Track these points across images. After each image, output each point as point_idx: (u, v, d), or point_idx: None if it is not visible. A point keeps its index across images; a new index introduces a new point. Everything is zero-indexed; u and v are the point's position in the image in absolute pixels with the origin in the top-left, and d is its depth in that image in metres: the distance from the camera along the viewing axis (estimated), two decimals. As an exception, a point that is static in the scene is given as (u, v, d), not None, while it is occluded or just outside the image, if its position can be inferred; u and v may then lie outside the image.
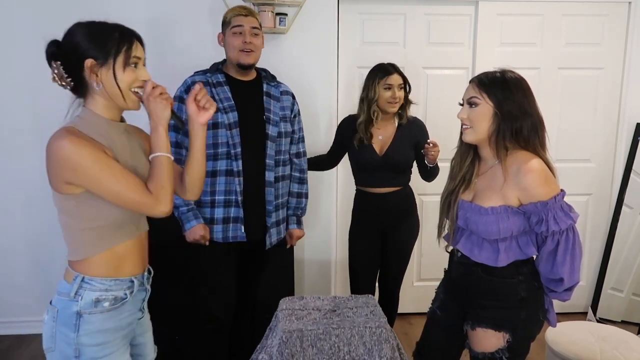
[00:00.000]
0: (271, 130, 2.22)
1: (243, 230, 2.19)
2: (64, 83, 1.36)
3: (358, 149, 2.56)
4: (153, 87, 1.38)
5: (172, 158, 1.43)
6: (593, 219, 3.44)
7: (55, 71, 1.34)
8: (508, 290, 1.62)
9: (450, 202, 1.71)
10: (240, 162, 2.14)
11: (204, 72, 2.22)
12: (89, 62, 1.33)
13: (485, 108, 1.57)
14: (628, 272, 3.29)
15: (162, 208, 1.37)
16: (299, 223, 2.46)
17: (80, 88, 1.38)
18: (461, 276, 1.74)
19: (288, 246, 2.49)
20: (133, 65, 1.37)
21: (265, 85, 2.26)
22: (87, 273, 1.38)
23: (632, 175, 3.26)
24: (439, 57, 3.23)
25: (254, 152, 2.18)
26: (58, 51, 1.34)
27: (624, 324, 3.20)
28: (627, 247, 3.29)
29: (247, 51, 2.14)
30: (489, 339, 1.64)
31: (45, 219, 3.11)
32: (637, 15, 3.20)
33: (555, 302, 1.70)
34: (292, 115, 2.36)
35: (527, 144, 1.57)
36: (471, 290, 1.70)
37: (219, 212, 2.16)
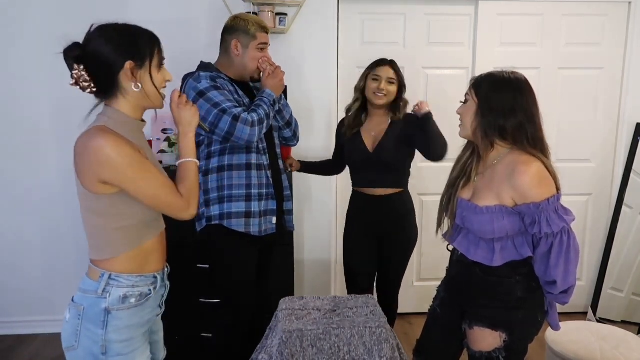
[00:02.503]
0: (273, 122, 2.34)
1: (274, 222, 2.26)
2: (86, 86, 1.36)
3: (349, 139, 2.53)
4: (179, 96, 1.50)
5: (199, 164, 1.50)
6: (593, 219, 3.44)
7: (78, 74, 1.34)
8: (505, 290, 1.62)
9: (451, 196, 1.73)
10: (268, 155, 2.24)
11: (209, 72, 2.22)
12: (129, 64, 1.35)
13: (471, 104, 1.62)
14: (628, 272, 3.29)
15: (191, 211, 1.44)
16: None
17: (107, 90, 1.38)
18: (460, 275, 1.75)
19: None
20: (161, 66, 1.45)
21: (251, 83, 2.36)
22: (114, 270, 1.40)
23: (632, 175, 3.26)
24: (439, 57, 3.23)
25: (268, 143, 2.28)
26: (83, 55, 1.34)
27: (624, 324, 3.21)
28: (627, 247, 3.29)
29: (261, 67, 2.26)
30: (485, 338, 1.65)
31: (46, 219, 3.12)
32: (637, 15, 3.20)
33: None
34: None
35: (515, 142, 1.58)
36: (470, 289, 1.71)
37: (255, 206, 2.18)
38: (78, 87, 1.36)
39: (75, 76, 1.34)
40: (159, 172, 1.40)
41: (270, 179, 2.24)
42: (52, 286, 3.15)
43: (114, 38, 1.35)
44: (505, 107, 1.57)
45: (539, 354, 2.88)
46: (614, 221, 3.32)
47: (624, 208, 3.29)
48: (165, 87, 1.47)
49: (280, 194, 2.34)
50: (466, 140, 1.74)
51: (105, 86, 1.38)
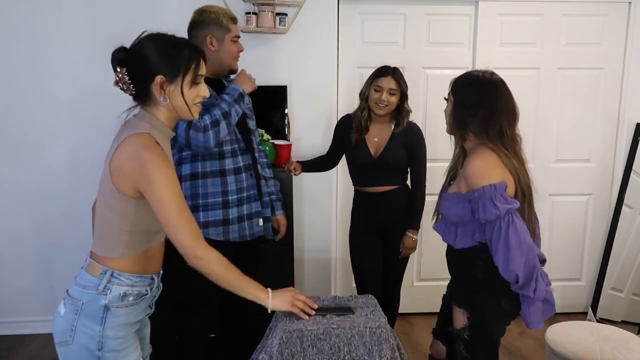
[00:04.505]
0: (251, 125, 2.27)
1: (261, 224, 2.21)
2: (125, 88, 1.39)
3: (354, 144, 2.58)
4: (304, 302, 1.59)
5: (245, 288, 1.47)
6: (593, 219, 3.44)
7: (119, 76, 1.38)
8: (468, 271, 1.78)
9: (441, 192, 1.90)
10: (246, 156, 2.17)
11: None
12: (159, 78, 1.37)
13: (450, 102, 1.77)
14: (628, 272, 3.29)
15: (199, 260, 1.38)
16: (284, 208, 2.48)
17: (143, 96, 1.41)
18: (447, 257, 1.92)
19: (278, 238, 2.47)
20: (197, 83, 1.44)
21: (226, 83, 2.26)
22: (116, 268, 1.41)
23: (632, 175, 3.26)
24: (439, 57, 3.23)
25: (247, 147, 2.21)
26: (126, 59, 1.38)
27: (624, 324, 3.20)
28: (627, 247, 3.29)
29: (238, 58, 2.20)
30: (457, 316, 1.81)
31: (47, 219, 3.12)
32: (637, 15, 3.20)
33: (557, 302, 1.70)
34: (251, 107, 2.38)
35: (476, 136, 1.70)
36: (451, 270, 1.90)
37: (234, 212, 2.13)
38: (120, 88, 1.40)
39: (117, 78, 1.38)
40: (186, 207, 1.39)
41: (254, 179, 2.18)
42: (52, 286, 3.15)
43: (154, 49, 1.38)
44: (470, 104, 1.69)
45: (539, 354, 2.88)
46: (614, 221, 3.32)
47: (624, 208, 3.29)
48: (200, 102, 1.48)
49: (259, 199, 2.26)
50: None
51: (141, 92, 1.41)
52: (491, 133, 1.67)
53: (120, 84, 1.39)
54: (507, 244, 1.60)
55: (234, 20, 2.16)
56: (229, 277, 1.44)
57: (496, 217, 1.60)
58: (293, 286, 2.93)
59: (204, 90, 1.47)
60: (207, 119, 1.96)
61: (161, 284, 1.58)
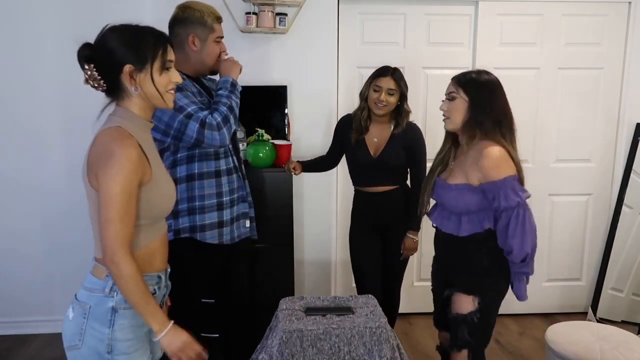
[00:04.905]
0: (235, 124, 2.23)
1: (247, 225, 2.19)
2: (96, 85, 1.38)
3: (354, 144, 2.58)
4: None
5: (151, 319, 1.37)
6: (593, 219, 3.44)
7: (88, 73, 1.36)
8: (474, 259, 1.89)
9: (429, 179, 2.01)
10: (234, 157, 2.15)
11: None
12: (127, 67, 1.36)
13: (460, 102, 1.86)
14: (628, 272, 3.29)
15: (115, 266, 1.32)
16: None
17: (114, 90, 1.40)
18: (441, 247, 2.03)
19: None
20: (167, 69, 1.43)
21: (206, 82, 2.21)
22: None
23: (632, 175, 3.26)
24: (439, 57, 3.23)
25: (233, 146, 2.18)
26: (92, 54, 1.36)
27: (624, 324, 3.20)
28: (627, 247, 3.29)
29: (219, 60, 2.12)
30: (462, 303, 1.90)
31: (47, 219, 3.12)
32: (637, 15, 3.20)
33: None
34: None
35: (486, 135, 1.84)
36: (449, 259, 1.99)
37: (227, 214, 2.09)
38: (90, 85, 1.38)
39: (87, 75, 1.36)
40: (130, 215, 1.34)
41: (242, 180, 2.16)
42: (52, 286, 3.15)
43: (117, 40, 1.37)
44: (484, 104, 1.84)
45: (539, 354, 2.89)
46: (614, 221, 3.32)
47: (624, 208, 3.29)
48: (173, 88, 1.46)
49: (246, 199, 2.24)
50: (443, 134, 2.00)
51: (112, 86, 1.40)
52: (504, 130, 1.84)
53: (90, 81, 1.37)
54: (523, 228, 1.78)
55: (219, 20, 2.08)
56: (134, 295, 1.35)
57: (517, 204, 1.77)
58: (292, 287, 2.94)
59: (175, 77, 1.45)
60: (217, 117, 1.93)
61: (169, 282, 1.56)
